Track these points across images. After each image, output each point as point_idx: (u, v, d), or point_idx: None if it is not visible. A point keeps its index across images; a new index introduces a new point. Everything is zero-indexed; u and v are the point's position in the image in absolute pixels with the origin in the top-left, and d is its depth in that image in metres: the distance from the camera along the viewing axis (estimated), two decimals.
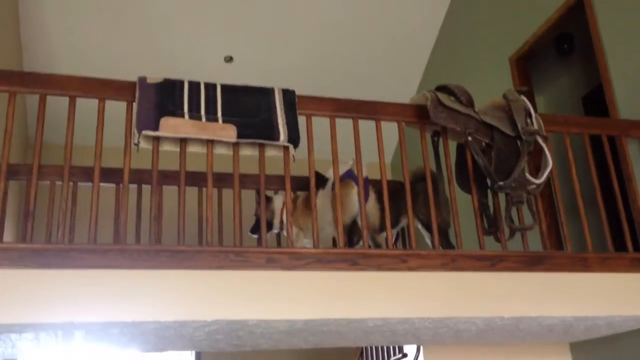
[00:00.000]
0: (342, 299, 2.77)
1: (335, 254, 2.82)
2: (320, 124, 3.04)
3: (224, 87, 2.90)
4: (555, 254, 3.19)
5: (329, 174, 3.46)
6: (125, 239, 2.69)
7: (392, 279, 2.85)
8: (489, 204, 3.25)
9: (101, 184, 2.73)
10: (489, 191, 3.24)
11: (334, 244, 3.57)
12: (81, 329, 2.64)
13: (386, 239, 3.01)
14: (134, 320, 2.51)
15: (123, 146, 2.73)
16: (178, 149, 2.81)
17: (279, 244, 3.90)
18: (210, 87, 2.88)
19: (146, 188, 3.60)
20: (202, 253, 2.64)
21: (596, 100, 4.65)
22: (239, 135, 2.79)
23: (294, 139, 2.87)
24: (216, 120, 2.78)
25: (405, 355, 4.37)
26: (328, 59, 6.35)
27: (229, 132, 2.77)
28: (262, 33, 6.09)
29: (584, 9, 4.26)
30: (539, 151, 3.22)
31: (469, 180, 3.18)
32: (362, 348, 5.25)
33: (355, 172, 3.19)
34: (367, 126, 3.09)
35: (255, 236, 3.68)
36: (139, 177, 3.49)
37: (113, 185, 3.65)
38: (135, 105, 2.75)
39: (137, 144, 2.74)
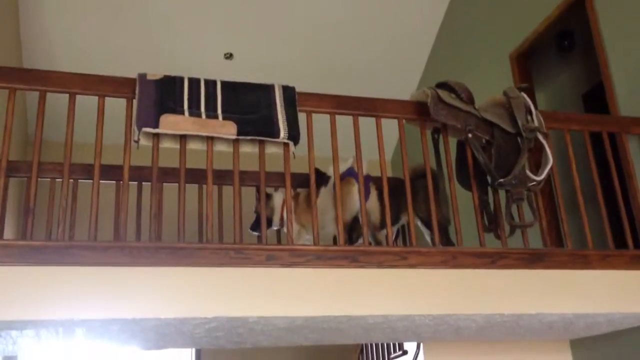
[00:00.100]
0: (343, 296, 2.77)
1: (335, 251, 2.82)
2: (321, 121, 3.04)
3: (224, 84, 2.90)
4: (556, 251, 3.19)
5: (330, 171, 3.46)
6: (125, 236, 2.69)
7: (393, 276, 2.85)
8: (489, 201, 3.25)
9: (101, 181, 2.72)
10: (489, 188, 3.24)
11: (335, 242, 3.57)
12: (81, 325, 2.64)
13: (386, 236, 3.01)
14: (134, 317, 2.51)
15: (123, 143, 2.73)
16: (178, 146, 2.81)
17: (279, 241, 3.90)
18: (210, 84, 2.87)
19: (146, 185, 3.60)
20: (202, 250, 2.64)
21: (596, 97, 4.65)
22: (239, 132, 2.78)
23: (294, 135, 2.87)
24: (216, 117, 2.78)
25: (405, 352, 4.37)
26: (328, 56, 6.34)
27: (229, 129, 2.77)
28: (262, 30, 6.08)
29: (585, 6, 4.25)
30: (540, 148, 3.22)
31: (469, 177, 3.18)
32: (362, 345, 5.25)
33: (356, 169, 3.19)
34: (367, 123, 3.09)
35: (255, 233, 3.68)
36: (139, 174, 3.49)
37: (113, 182, 3.65)
38: (135, 102, 2.75)
39: (137, 141, 2.73)
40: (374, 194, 3.52)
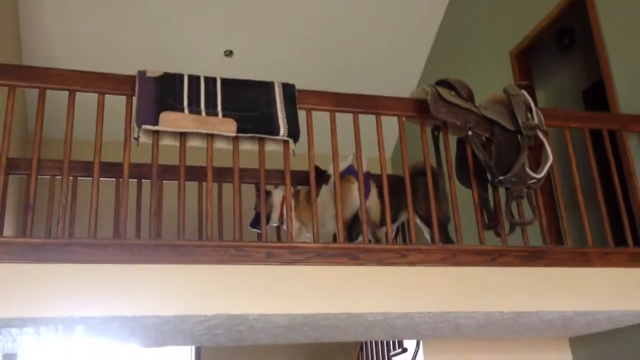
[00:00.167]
0: (342, 293, 2.77)
1: (335, 249, 2.82)
2: (320, 118, 3.04)
3: (224, 81, 2.89)
4: (555, 248, 3.19)
5: (331, 169, 3.46)
6: (125, 233, 2.68)
7: (392, 273, 2.85)
8: (489, 199, 3.25)
9: (101, 179, 2.72)
10: (489, 186, 3.24)
11: (335, 240, 3.57)
12: (81, 323, 2.64)
13: (386, 234, 3.01)
14: (134, 315, 2.51)
15: (123, 140, 2.72)
16: (178, 144, 2.81)
17: (279, 239, 3.90)
18: (210, 81, 2.87)
19: (146, 182, 3.60)
20: (202, 247, 2.64)
21: (597, 95, 4.65)
22: (239, 130, 2.78)
23: (294, 133, 2.86)
24: (216, 114, 2.78)
25: (405, 350, 4.37)
26: (328, 54, 6.33)
27: (229, 127, 2.77)
28: (262, 27, 6.08)
29: (585, 3, 4.25)
30: (540, 146, 3.22)
31: (469, 175, 3.18)
32: (362, 342, 5.25)
33: (356, 167, 3.19)
34: (367, 121, 3.08)
35: (255, 230, 3.68)
36: (139, 171, 3.49)
37: (113, 179, 3.64)
38: (134, 99, 2.74)
39: (136, 139, 2.73)
40: (374, 191, 3.52)
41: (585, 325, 3.57)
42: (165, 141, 2.82)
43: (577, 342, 4.21)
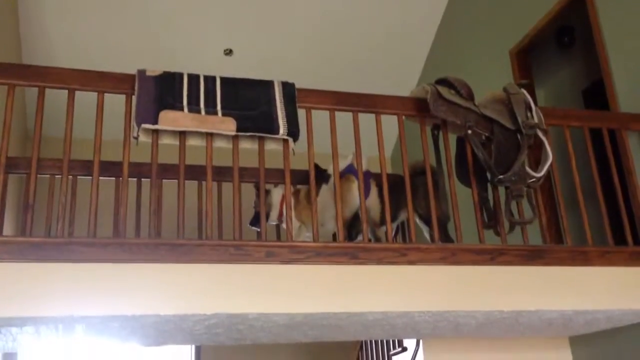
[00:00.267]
0: (342, 292, 2.77)
1: (335, 248, 2.82)
2: (320, 117, 3.04)
3: (224, 80, 2.89)
4: (555, 247, 3.19)
5: (331, 169, 3.46)
6: (124, 232, 2.68)
7: (392, 272, 2.85)
8: (488, 198, 3.25)
9: (100, 178, 2.72)
10: (488, 185, 3.24)
11: (334, 239, 3.57)
12: (81, 322, 2.64)
13: (386, 233, 3.01)
14: (134, 314, 2.51)
15: (122, 139, 2.72)
16: (177, 142, 2.81)
17: (278, 238, 3.90)
18: (210, 80, 2.87)
19: (146, 181, 3.60)
20: (202, 247, 2.64)
21: (597, 94, 4.64)
22: (239, 129, 2.78)
23: (293, 132, 2.86)
24: (215, 113, 2.77)
25: (405, 349, 4.37)
26: (328, 52, 6.33)
27: (229, 125, 2.77)
28: (262, 26, 6.07)
29: (585, 2, 4.24)
30: (539, 145, 3.22)
31: (469, 173, 3.18)
32: (362, 342, 5.25)
33: (356, 166, 3.19)
34: (367, 119, 3.08)
35: (255, 228, 3.68)
36: (139, 170, 3.49)
37: (112, 178, 3.64)
38: (134, 98, 2.74)
39: (136, 137, 2.73)
40: (374, 190, 3.52)
41: (585, 324, 3.57)
42: (165, 140, 2.81)
43: (577, 341, 4.21)
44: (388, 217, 2.99)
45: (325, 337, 3.55)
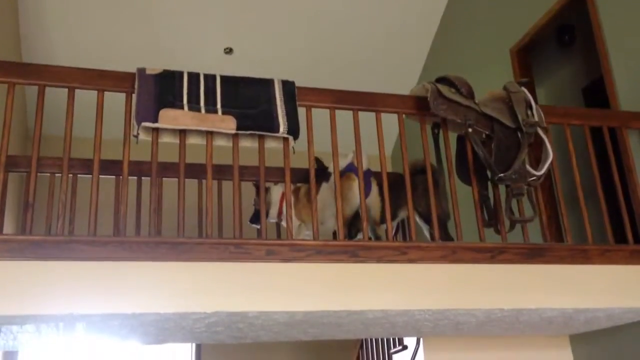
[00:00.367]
0: (342, 290, 2.77)
1: (335, 246, 2.82)
2: (320, 115, 3.03)
3: (224, 78, 2.89)
4: (556, 245, 3.19)
5: (332, 167, 3.46)
6: (125, 231, 2.69)
7: (392, 270, 2.85)
8: (489, 196, 3.24)
9: (101, 176, 2.72)
10: (489, 183, 3.24)
11: (334, 237, 3.57)
12: (81, 320, 2.64)
13: (386, 231, 3.00)
14: (134, 312, 2.51)
15: (122, 138, 2.72)
16: (177, 141, 2.81)
17: (278, 236, 3.89)
18: (210, 78, 2.87)
19: (146, 180, 3.60)
20: (202, 245, 2.64)
21: (597, 92, 4.64)
22: (239, 127, 2.78)
23: (293, 130, 2.86)
24: (215, 111, 2.77)
25: (405, 347, 4.37)
26: (328, 51, 6.33)
27: (229, 124, 2.77)
28: (262, 25, 6.07)
29: (585, 0, 4.24)
30: (540, 143, 3.22)
31: (469, 172, 3.18)
32: (362, 340, 5.25)
33: (356, 164, 3.18)
34: (367, 118, 3.08)
35: (255, 226, 3.68)
36: (139, 169, 3.49)
37: (113, 177, 3.64)
38: (134, 96, 2.74)
39: (136, 136, 2.73)
40: (374, 189, 3.52)
41: (585, 322, 3.57)
42: (165, 138, 2.81)
43: (578, 340, 4.21)
44: (388, 216, 2.99)
45: (326, 335, 3.55)
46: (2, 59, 2.82)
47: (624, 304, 3.14)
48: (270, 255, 2.70)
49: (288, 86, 2.95)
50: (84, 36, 5.83)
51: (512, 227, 3.18)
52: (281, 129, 2.83)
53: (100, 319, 2.61)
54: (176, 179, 2.82)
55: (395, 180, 3.43)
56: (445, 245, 2.98)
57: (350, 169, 3.43)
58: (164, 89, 2.75)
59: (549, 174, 3.44)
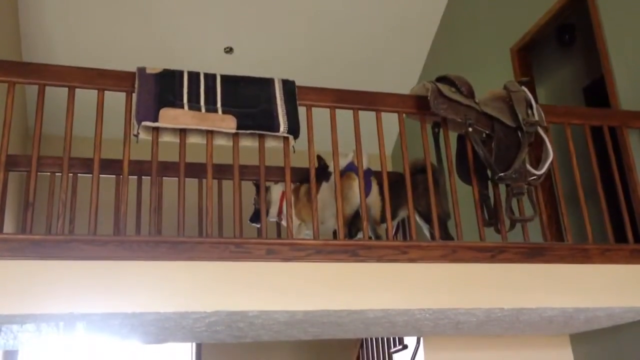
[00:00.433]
0: (343, 290, 2.77)
1: (335, 245, 2.82)
2: (321, 114, 3.03)
3: (224, 78, 2.89)
4: (556, 245, 3.19)
5: (332, 167, 3.46)
6: (125, 230, 2.69)
7: (393, 270, 2.85)
8: (489, 195, 3.24)
9: (101, 175, 2.72)
10: (489, 182, 3.23)
11: (335, 236, 3.57)
12: (82, 320, 2.64)
13: (386, 230, 3.00)
14: (134, 311, 2.51)
15: (122, 137, 2.72)
16: (178, 140, 2.80)
17: (279, 235, 3.89)
18: (210, 78, 2.86)
19: (146, 179, 3.59)
20: (202, 244, 2.64)
21: (597, 91, 4.64)
22: (239, 126, 2.78)
23: (294, 129, 2.86)
24: (216, 110, 2.77)
25: (405, 347, 4.37)
26: (328, 50, 6.33)
27: (229, 123, 2.76)
28: (262, 24, 6.07)
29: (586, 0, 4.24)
30: (540, 142, 3.22)
31: (469, 171, 3.18)
32: (362, 339, 5.26)
33: (356, 164, 3.18)
34: (367, 117, 3.08)
35: (255, 225, 3.68)
36: (139, 168, 3.49)
37: (113, 176, 3.64)
38: (134, 95, 2.74)
39: (136, 135, 2.73)
40: (375, 188, 3.52)
41: (585, 322, 3.57)
42: (165, 138, 2.81)
43: (578, 339, 4.21)
44: (388, 215, 2.99)
45: (326, 334, 3.55)
46: (3, 58, 2.82)
47: (624, 303, 3.14)
48: (271, 254, 2.70)
49: (288, 85, 2.95)
50: (84, 35, 5.83)
51: (512, 226, 3.18)
52: (281, 128, 2.83)
53: (100, 318, 2.61)
54: (176, 178, 2.81)
55: (396, 180, 3.43)
56: (446, 245, 2.98)
57: (351, 168, 3.42)
58: (164, 88, 2.75)
59: (549, 174, 3.44)
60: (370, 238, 3.13)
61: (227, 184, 3.35)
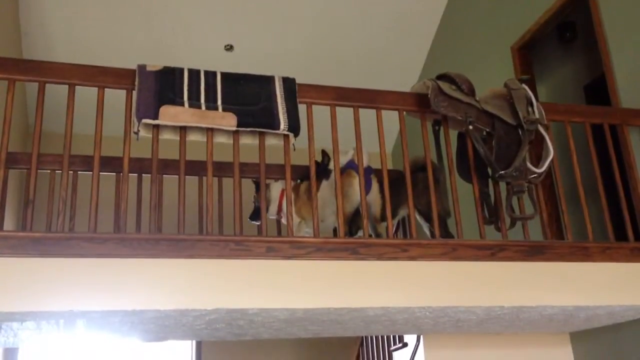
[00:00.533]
0: (343, 288, 2.77)
1: (335, 243, 2.82)
2: (321, 112, 3.03)
3: (224, 75, 2.88)
4: (556, 243, 3.18)
5: (332, 165, 3.45)
6: (125, 227, 2.69)
7: (393, 268, 2.85)
8: (489, 193, 3.24)
9: (101, 173, 2.72)
10: (489, 180, 3.23)
11: (335, 234, 3.57)
12: (82, 317, 2.64)
13: (386, 228, 3.00)
14: (134, 309, 2.51)
15: (123, 135, 2.72)
16: (178, 138, 2.80)
17: (279, 233, 3.89)
18: (210, 75, 2.86)
19: (146, 177, 3.60)
20: (203, 242, 2.64)
21: (598, 89, 4.64)
22: (239, 124, 2.77)
23: (294, 127, 2.85)
24: (216, 108, 2.77)
25: (405, 345, 4.38)
26: (329, 48, 6.32)
27: (229, 121, 2.76)
28: (263, 22, 6.06)
29: None
30: (540, 140, 3.21)
31: (469, 169, 3.18)
32: (362, 337, 5.26)
33: (357, 161, 3.18)
34: (367, 115, 3.08)
35: (254, 222, 3.68)
36: (139, 166, 3.49)
37: (113, 174, 3.64)
38: (134, 93, 2.74)
39: (136, 133, 2.73)
40: (375, 186, 3.52)
41: (585, 320, 3.57)
42: (165, 135, 2.81)
43: (578, 337, 4.21)
44: (389, 213, 2.99)
45: (326, 332, 3.55)
46: (3, 56, 2.82)
47: (624, 301, 3.14)
48: (271, 252, 2.70)
49: (288, 83, 2.95)
50: (85, 33, 5.82)
51: (512, 224, 3.18)
52: (282, 126, 2.83)
53: (100, 315, 2.61)
54: (176, 176, 2.81)
55: (396, 178, 3.43)
56: (446, 243, 2.98)
57: (351, 166, 3.42)
58: (164, 85, 2.75)
59: (549, 171, 3.44)
60: (370, 236, 3.13)
61: (228, 182, 3.35)
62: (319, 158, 3.49)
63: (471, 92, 3.19)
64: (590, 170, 3.39)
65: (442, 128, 3.25)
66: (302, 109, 2.92)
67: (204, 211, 3.39)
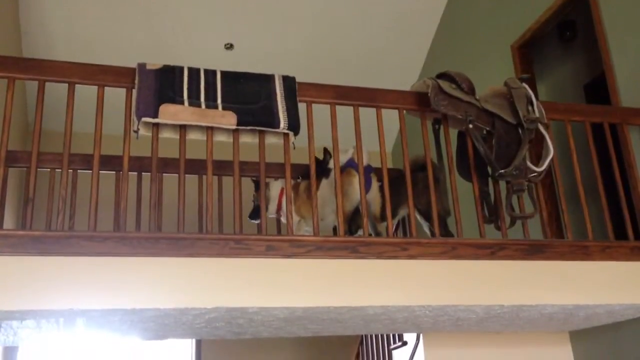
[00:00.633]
0: (342, 286, 2.77)
1: (335, 242, 2.82)
2: (321, 111, 3.03)
3: (224, 74, 2.88)
4: (556, 242, 3.19)
5: (332, 163, 3.45)
6: (125, 226, 2.69)
7: (393, 266, 2.85)
8: (489, 192, 3.24)
9: (101, 172, 2.72)
10: (489, 179, 3.23)
11: (335, 233, 3.57)
12: (81, 316, 2.64)
13: (386, 227, 3.00)
14: (134, 308, 2.51)
15: (122, 133, 2.72)
16: (178, 136, 2.80)
17: (279, 232, 3.89)
18: (210, 74, 2.86)
19: (146, 175, 3.59)
20: (202, 240, 2.64)
21: (598, 88, 4.64)
22: (239, 123, 2.77)
23: (294, 126, 2.85)
24: (216, 107, 2.77)
25: (405, 343, 4.38)
26: (329, 46, 6.32)
27: (229, 119, 2.76)
28: (263, 20, 6.06)
29: None
30: (540, 139, 3.21)
31: (469, 168, 3.18)
32: (362, 336, 5.26)
33: (356, 160, 3.18)
34: (367, 114, 3.07)
35: (254, 221, 3.68)
36: (139, 164, 3.49)
37: (113, 172, 3.64)
38: (134, 91, 2.74)
39: (136, 131, 2.72)
40: (375, 184, 3.52)
41: (585, 318, 3.57)
42: (165, 134, 2.81)
43: (578, 336, 4.21)
44: (389, 211, 2.99)
45: (326, 331, 3.55)
46: (3, 54, 2.81)
47: (624, 300, 3.14)
48: (271, 250, 2.70)
49: (288, 82, 2.94)
50: (85, 32, 5.82)
51: (512, 223, 3.18)
52: (282, 125, 2.83)
53: (100, 314, 2.61)
54: (176, 175, 2.81)
55: (396, 177, 3.42)
56: (446, 241, 2.98)
57: (351, 165, 3.42)
58: (164, 84, 2.74)
59: (549, 170, 3.43)
60: (370, 235, 3.13)
61: (227, 181, 3.35)
62: (320, 156, 3.49)
63: (471, 91, 3.19)
64: (590, 169, 3.39)
65: (442, 127, 3.25)
66: (302, 107, 2.92)
67: (204, 210, 3.39)
